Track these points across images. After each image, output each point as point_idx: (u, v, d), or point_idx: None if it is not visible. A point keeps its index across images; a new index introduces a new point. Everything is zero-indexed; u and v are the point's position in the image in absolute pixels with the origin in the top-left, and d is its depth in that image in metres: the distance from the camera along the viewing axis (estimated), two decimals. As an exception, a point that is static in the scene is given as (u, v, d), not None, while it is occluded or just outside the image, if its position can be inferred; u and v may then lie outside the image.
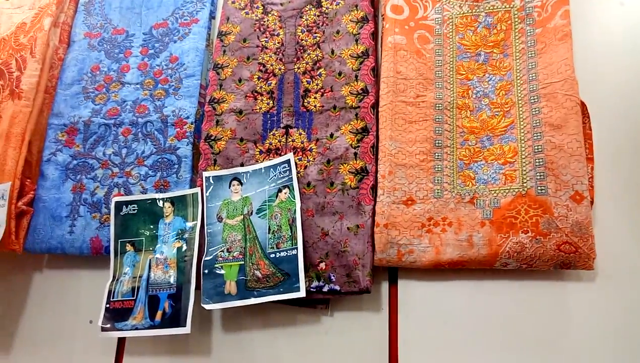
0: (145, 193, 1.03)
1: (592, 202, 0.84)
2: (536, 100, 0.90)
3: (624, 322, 0.83)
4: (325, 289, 0.90)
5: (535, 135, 0.88)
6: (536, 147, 0.88)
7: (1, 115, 1.11)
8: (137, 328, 0.93)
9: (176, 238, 0.99)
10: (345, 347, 0.93)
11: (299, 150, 1.00)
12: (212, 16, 1.17)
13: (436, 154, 0.93)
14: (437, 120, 0.95)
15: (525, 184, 0.87)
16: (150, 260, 0.98)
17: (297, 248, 0.91)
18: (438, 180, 0.92)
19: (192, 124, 1.05)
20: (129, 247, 1.00)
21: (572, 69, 0.88)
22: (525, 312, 0.87)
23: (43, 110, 1.12)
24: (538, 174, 0.86)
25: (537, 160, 0.87)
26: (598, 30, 0.97)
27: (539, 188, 0.85)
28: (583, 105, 0.88)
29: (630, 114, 0.92)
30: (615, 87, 0.94)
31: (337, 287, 0.90)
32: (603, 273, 0.85)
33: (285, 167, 0.98)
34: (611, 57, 0.96)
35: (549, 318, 0.86)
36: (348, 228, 0.92)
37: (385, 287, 0.95)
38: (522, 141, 0.89)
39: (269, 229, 0.95)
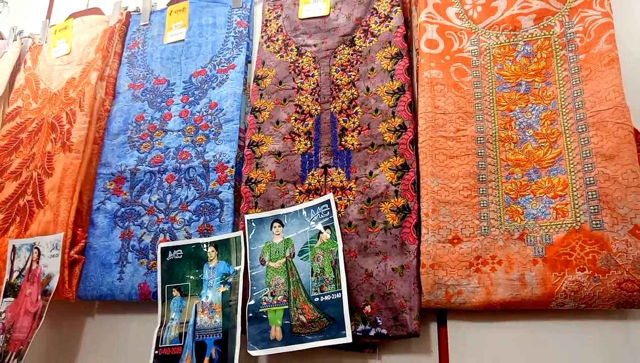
0: (190, 238, 1.05)
1: (654, 236, 0.79)
2: (584, 129, 0.86)
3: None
4: (372, 333, 0.88)
5: (586, 166, 0.84)
6: (588, 179, 0.83)
7: (54, 167, 1.17)
8: (185, 376, 0.93)
9: (221, 283, 1.00)
10: (396, 392, 0.90)
11: (338, 189, 1.00)
12: (248, 60, 1.20)
13: (480, 189, 0.90)
14: (479, 154, 0.92)
15: (578, 219, 0.83)
16: (196, 305, 0.99)
17: (341, 292, 0.89)
18: (484, 216, 0.89)
19: (232, 167, 1.07)
20: (175, 292, 1.02)
21: (621, 95, 0.84)
22: (586, 354, 0.82)
23: (92, 160, 1.18)
24: (592, 208, 0.82)
25: (589, 193, 0.83)
26: (645, 52, 0.93)
27: (593, 222, 0.81)
28: (637, 133, 0.83)
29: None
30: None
31: (384, 331, 0.87)
32: (672, 312, 0.79)
33: (325, 207, 0.98)
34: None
35: (612, 361, 0.80)
36: (393, 269, 0.90)
37: (434, 328, 0.92)
38: (572, 173, 0.86)
39: (312, 272, 0.94)
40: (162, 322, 1.01)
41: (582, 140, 0.86)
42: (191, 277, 1.02)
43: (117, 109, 1.21)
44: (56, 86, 1.29)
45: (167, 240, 1.06)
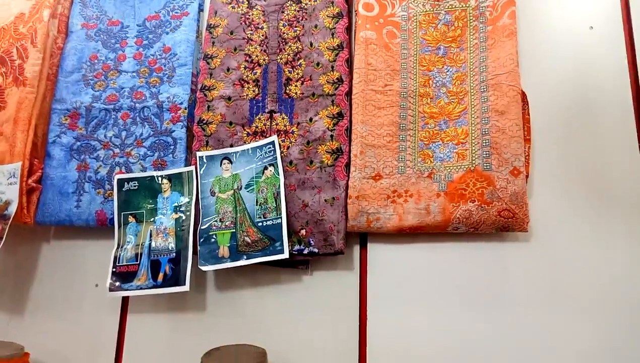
0: (145, 171, 1.16)
1: (527, 176, 1.00)
2: (485, 89, 1.05)
3: (554, 276, 1.01)
4: (306, 252, 1.05)
5: (483, 119, 1.04)
6: (484, 130, 1.03)
7: (6, 101, 1.21)
8: (141, 288, 1.07)
9: (174, 211, 1.12)
10: (323, 301, 1.09)
11: (282, 132, 1.14)
12: (200, 9, 1.28)
13: (400, 136, 1.08)
14: (402, 106, 1.10)
15: (474, 161, 1.03)
16: (151, 230, 1.12)
17: (281, 218, 1.05)
18: (402, 158, 1.07)
19: (185, 109, 1.18)
20: (131, 219, 1.13)
21: (515, 62, 1.04)
22: (472, 269, 1.04)
23: (46, 96, 1.23)
24: (484, 153, 1.02)
25: (484, 141, 1.03)
26: (539, 28, 1.13)
27: (485, 164, 1.01)
28: (523, 94, 1.03)
29: (563, 101, 1.08)
30: (552, 78, 1.10)
31: (316, 250, 1.05)
32: (537, 235, 1.02)
33: (270, 147, 1.12)
34: (550, 52, 1.11)
35: (492, 274, 1.03)
36: (325, 200, 1.07)
37: (357, 250, 1.11)
38: (473, 125, 1.05)
39: (257, 202, 1.09)
40: (119, 244, 1.12)
41: (482, 98, 1.05)
42: (146, 206, 1.14)
43: (71, 48, 1.26)
44: (3, 20, 1.30)
45: (123, 173, 1.16)
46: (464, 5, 1.13)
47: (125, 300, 1.17)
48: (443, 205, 1.02)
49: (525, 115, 1.03)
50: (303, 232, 1.07)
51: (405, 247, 1.08)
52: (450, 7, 1.13)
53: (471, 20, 1.12)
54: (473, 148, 1.04)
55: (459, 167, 1.04)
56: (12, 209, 1.12)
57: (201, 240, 1.08)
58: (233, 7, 1.24)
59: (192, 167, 1.13)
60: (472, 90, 1.07)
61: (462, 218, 1.00)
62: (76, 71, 1.24)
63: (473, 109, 1.06)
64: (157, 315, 1.15)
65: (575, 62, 1.10)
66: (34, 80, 1.20)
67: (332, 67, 1.15)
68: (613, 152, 1.03)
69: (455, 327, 1.02)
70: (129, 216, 1.13)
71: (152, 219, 1.13)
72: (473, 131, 1.05)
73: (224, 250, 1.06)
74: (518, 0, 1.10)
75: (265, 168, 1.11)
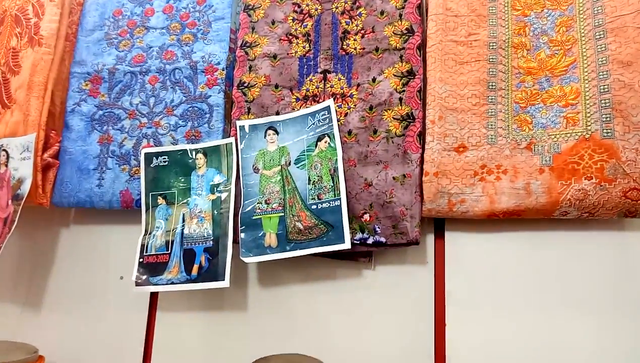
0: (176, 144, 0.98)
1: (665, 146, 0.77)
2: (602, 35, 0.82)
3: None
4: (370, 241, 0.86)
5: (601, 73, 0.81)
6: (602, 87, 0.80)
7: (21, 65, 1.05)
8: (173, 283, 0.90)
9: (211, 191, 0.94)
10: (388, 302, 0.89)
11: (338, 96, 0.94)
12: (240, -45, 1.08)
13: (490, 97, 0.86)
14: (491, 60, 0.88)
15: (589, 127, 0.80)
16: (184, 213, 0.94)
17: (340, 199, 0.86)
18: (492, 125, 0.85)
19: (223, 70, 0.99)
20: (160, 200, 0.96)
21: (645, -1, 0.80)
22: (582, 265, 0.82)
23: (64, 58, 1.07)
24: (604, 116, 0.79)
25: (602, 101, 0.80)
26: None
27: (604, 131, 0.79)
28: (657, 39, 0.80)
29: None
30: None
31: (383, 239, 0.85)
32: (673, 222, 0.79)
33: (324, 114, 0.92)
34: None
35: (610, 271, 0.81)
36: (394, 178, 0.87)
37: (430, 239, 0.90)
38: (586, 81, 0.82)
39: (309, 180, 0.90)
40: (146, 230, 0.95)
41: (598, 47, 0.82)
42: (178, 185, 0.96)
43: (92, 2, 1.09)
44: (19, -25, 1.14)
45: (151, 146, 0.99)
46: None
47: (153, 295, 1.00)
48: (548, 183, 0.80)
49: (660, 66, 0.79)
50: (367, 216, 0.87)
51: (493, 236, 0.87)
52: None
53: (579, -49, 0.88)
54: (588, 110, 0.81)
55: (568, 134, 0.81)
56: (26, 188, 0.96)
57: (243, 226, 0.89)
58: (278, -51, 1.04)
59: (232, 139, 0.95)
60: (583, 38, 0.84)
61: (574, 200, 0.78)
62: (98, 29, 1.07)
63: (586, 61, 0.83)
64: (190, 313, 0.98)
65: None
66: (50, 40, 1.03)
67: (400, 15, 0.93)
68: None
69: (558, 336, 0.80)
70: (158, 197, 0.96)
71: (184, 201, 0.95)
72: (587, 89, 0.82)
73: (270, 238, 0.88)
74: None
75: (319, 139, 0.91)
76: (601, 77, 0.81)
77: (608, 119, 0.79)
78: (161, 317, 0.99)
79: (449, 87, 0.87)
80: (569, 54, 0.85)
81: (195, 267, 0.90)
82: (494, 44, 0.88)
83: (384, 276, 0.91)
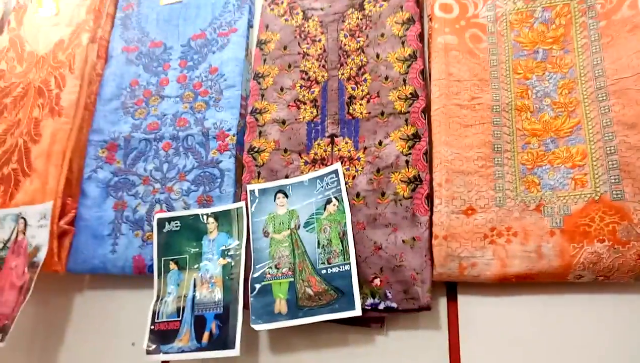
0: (188, 209, 1.00)
1: (677, 207, 0.76)
2: (605, 97, 0.83)
3: None
4: (381, 307, 0.85)
5: (606, 135, 0.81)
6: (608, 148, 0.80)
7: (41, 134, 1.10)
8: (183, 351, 0.89)
9: (221, 256, 0.95)
10: (403, 368, 0.87)
11: (346, 159, 0.95)
12: (250, 25, 1.14)
13: (496, 159, 0.87)
14: (495, 123, 0.89)
15: (598, 189, 0.80)
16: (195, 278, 0.95)
17: (350, 264, 0.85)
18: (499, 187, 0.85)
19: (234, 136, 1.02)
20: (172, 266, 0.97)
21: (645, 62, 0.82)
22: (602, 329, 0.79)
23: (83, 127, 1.11)
24: (612, 177, 0.79)
25: (610, 163, 0.80)
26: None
27: (614, 192, 0.78)
28: (660, 101, 0.80)
29: None
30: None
31: (394, 305, 0.84)
32: (692, 285, 0.77)
33: (332, 177, 0.93)
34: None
35: (630, 335, 0.78)
36: (403, 241, 0.87)
37: (443, 303, 0.89)
38: (592, 142, 0.83)
39: (319, 244, 0.90)
40: (158, 296, 0.95)
41: (602, 108, 0.83)
42: (189, 250, 0.97)
43: (110, 73, 1.14)
44: (43, 49, 1.21)
45: (164, 211, 1.01)
46: (566, 0, 0.92)
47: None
48: (560, 246, 0.79)
49: (665, 127, 0.80)
50: (377, 281, 0.86)
51: (507, 299, 0.85)
52: (548, 2, 0.93)
53: (577, 16, 0.91)
54: (595, 172, 0.81)
55: (577, 196, 0.81)
56: (42, 255, 0.98)
57: (253, 291, 0.89)
58: (286, 20, 1.09)
59: (242, 203, 0.96)
60: (585, 100, 0.85)
61: (587, 264, 0.77)
62: (115, 98, 1.12)
63: (590, 123, 0.84)
64: (201, 380, 0.96)
65: None
66: (69, 110, 1.08)
67: (404, 80, 0.96)
68: None
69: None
70: (170, 262, 0.97)
71: (196, 266, 0.96)
72: (593, 150, 0.82)
73: (281, 305, 0.87)
74: (636, -12, 0.88)
75: (328, 202, 0.92)
76: (607, 138, 0.81)
77: (617, 180, 0.79)
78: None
79: (454, 149, 0.88)
80: (573, 115, 0.86)
81: (206, 334, 0.89)
82: (497, 107, 0.90)
83: (396, 342, 0.89)
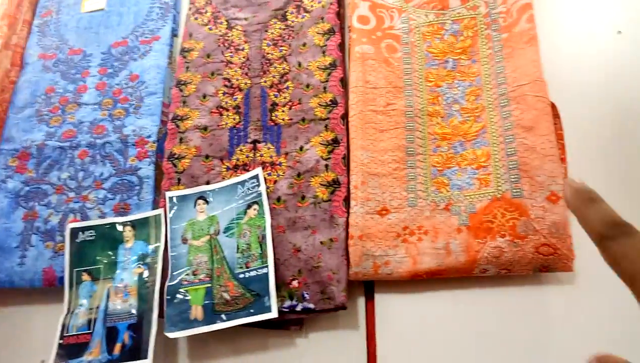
0: (104, 218, 0.96)
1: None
2: (506, 103, 0.89)
3: (605, 323, 0.80)
4: (299, 308, 0.84)
5: (507, 138, 0.87)
6: (509, 150, 0.86)
7: (-53, 142, 1.04)
8: (93, 365, 0.84)
9: (137, 264, 0.92)
10: (323, 371, 0.87)
11: (267, 164, 0.96)
12: (174, 34, 1.14)
13: (409, 162, 0.90)
14: (408, 127, 0.93)
15: (500, 188, 0.84)
16: (108, 289, 0.91)
17: (267, 267, 0.85)
18: (412, 188, 0.89)
19: (154, 142, 1.00)
20: (85, 277, 0.92)
21: (540, 70, 0.88)
22: (506, 319, 0.83)
23: (-7, 135, 1.05)
24: (512, 177, 0.84)
25: (510, 163, 0.85)
26: (563, 33, 0.98)
27: (514, 190, 0.83)
28: (553, 105, 0.87)
29: (598, 112, 0.91)
30: (579, 89, 0.94)
31: (312, 305, 0.84)
32: (583, 274, 0.82)
33: (253, 182, 0.93)
34: (575, 60, 0.96)
35: (531, 324, 0.82)
36: (321, 242, 0.88)
37: (361, 302, 0.90)
38: (495, 145, 0.88)
39: (238, 248, 0.89)
40: (68, 309, 0.91)
41: (503, 113, 0.89)
42: (104, 260, 0.93)
43: (25, 80, 1.10)
44: (-46, 55, 1.15)
45: (78, 221, 0.97)
46: (472, 13, 0.98)
47: (77, 379, 0.93)
48: (466, 242, 0.82)
49: (558, 130, 0.86)
50: (295, 283, 0.86)
51: (420, 296, 0.87)
52: (457, 15, 0.99)
53: (482, 29, 0.97)
54: (497, 172, 0.86)
55: (482, 195, 0.85)
56: (-61, 269, 0.91)
57: (169, 299, 0.87)
58: (210, 29, 1.10)
59: (161, 210, 0.94)
60: (489, 106, 0.91)
61: (491, 258, 0.80)
62: (29, 106, 1.07)
63: (493, 127, 0.89)
64: (116, 397, 0.91)
65: (606, 70, 0.94)
66: (-22, 118, 1.03)
67: (325, 88, 0.99)
68: (668, 170, 0.86)
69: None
70: (83, 273, 0.93)
71: (110, 276, 0.92)
72: (496, 152, 0.87)
73: (197, 311, 0.85)
74: (535, 5, 0.96)
75: (249, 207, 0.92)
76: (508, 140, 0.87)
77: (516, 179, 0.84)
78: (85, 404, 0.92)
79: (370, 153, 0.91)
80: (479, 120, 0.91)
81: (118, 346, 0.85)
82: (411, 113, 0.94)
83: (316, 343, 0.89)
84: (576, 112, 0.90)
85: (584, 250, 0.82)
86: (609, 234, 0.30)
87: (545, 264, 0.79)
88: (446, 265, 0.82)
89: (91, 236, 0.94)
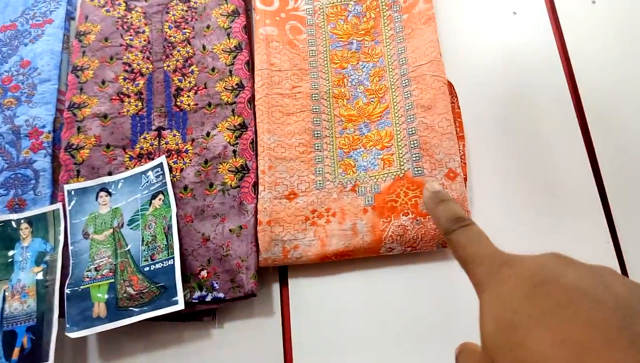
0: (-3, 216, 0.90)
1: (465, 179, 0.85)
2: (407, 83, 0.91)
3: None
4: (209, 298, 0.83)
5: (408, 117, 0.89)
6: (410, 130, 0.88)
7: None
8: (-12, 372, 0.80)
9: (36, 263, 0.87)
10: (238, 358, 0.86)
11: (173, 152, 0.93)
12: (70, 17, 1.06)
13: (316, 145, 0.90)
14: (314, 110, 0.92)
15: (402, 167, 0.86)
16: (4, 290, 0.85)
17: (173, 258, 0.83)
18: (319, 171, 0.89)
19: (49, 133, 0.94)
20: (-22, 280, 0.86)
21: (437, 50, 0.90)
22: (413, 294, 0.86)
23: None
24: (414, 156, 0.86)
25: (412, 142, 0.87)
26: (460, 13, 1.01)
27: (415, 169, 0.85)
28: (450, 85, 0.90)
29: (493, 91, 0.95)
30: (477, 69, 0.97)
31: (222, 295, 0.83)
32: (483, 247, 0.86)
33: (158, 171, 0.90)
34: (473, 41, 1.00)
35: (437, 299, 0.86)
36: (230, 230, 0.86)
37: (276, 289, 0.90)
38: (397, 125, 0.89)
39: (143, 240, 0.86)
40: (-40, 316, 0.85)
41: (405, 93, 0.90)
42: (0, 260, 0.88)
43: None
44: None
45: (-33, 220, 0.90)
46: (375, -6, 0.99)
47: (-24, 388, 0.88)
48: (372, 222, 0.84)
49: (455, 108, 0.89)
50: (204, 273, 0.85)
51: (331, 278, 0.88)
52: (360, -4, 0.99)
53: (384, 10, 0.98)
54: (400, 151, 0.87)
55: (385, 175, 0.87)
56: None
57: (70, 298, 0.83)
58: (107, 11, 1.03)
59: (59, 205, 0.89)
60: (392, 86, 0.92)
61: (395, 236, 0.83)
62: None
63: (396, 107, 0.91)
64: (21, 403, 0.87)
65: (501, 50, 0.98)
66: None
67: (230, 71, 0.96)
68: (555, 143, 0.91)
69: (401, 371, 0.82)
70: (-24, 276, 0.86)
71: (6, 277, 0.86)
72: (398, 132, 0.89)
73: (99, 308, 0.82)
74: (433, -14, 0.98)
75: (154, 197, 0.89)
76: (409, 120, 0.88)
77: (417, 158, 0.86)
78: (-12, 413, 0.87)
79: (277, 137, 0.90)
80: (383, 101, 0.92)
81: (17, 350, 0.81)
82: (317, 95, 0.93)
83: (231, 332, 0.88)
84: (473, 91, 0.94)
85: (482, 224, 0.86)
86: (451, 228, 0.34)
87: (445, 239, 0.82)
88: (353, 245, 0.83)
89: (-18, 236, 0.88)
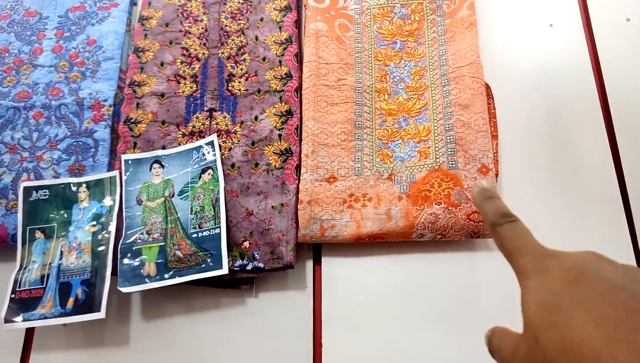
0: (59, 178, 0.98)
1: (497, 175, 0.91)
2: (447, 83, 0.97)
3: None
4: (249, 267, 0.90)
5: (446, 115, 0.94)
6: (447, 126, 0.94)
7: None
8: (46, 317, 0.87)
9: (92, 223, 0.94)
10: (270, 327, 0.93)
11: (223, 132, 1.00)
12: (133, 2, 1.15)
13: (357, 134, 0.97)
14: (357, 102, 0.99)
15: (438, 160, 0.92)
16: (62, 246, 0.93)
17: (220, 227, 0.90)
18: (358, 158, 0.95)
19: (110, 106, 1.02)
20: (38, 234, 0.94)
21: (477, 54, 0.96)
22: (440, 283, 0.92)
23: (-58, 92, 1.04)
24: (449, 150, 0.92)
25: (448, 138, 0.93)
26: (500, 22, 1.07)
27: (450, 162, 0.91)
28: (487, 86, 0.95)
29: (528, 96, 1.01)
30: (513, 75, 1.03)
31: (261, 265, 0.90)
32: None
33: (208, 149, 0.97)
34: (510, 49, 1.05)
35: (461, 285, 0.91)
36: (272, 206, 0.93)
37: (309, 265, 0.96)
38: (435, 121, 0.95)
39: (192, 210, 0.93)
40: (21, 265, 0.92)
41: (444, 92, 0.96)
42: (58, 218, 0.95)
43: (-23, 39, 1.09)
44: None
45: (32, 180, 0.98)
46: (420, -1, 1.05)
47: (29, 334, 0.95)
48: (406, 209, 0.90)
49: (491, 109, 0.95)
50: (246, 244, 0.91)
51: (363, 260, 0.94)
52: (405, 0, 1.06)
53: (428, 14, 1.04)
54: (436, 145, 0.93)
55: (421, 166, 0.93)
56: None
57: (123, 257, 0.90)
58: (170, -1, 1.12)
59: (116, 172, 0.97)
60: (432, 85, 0.98)
61: (427, 223, 0.88)
62: (-19, 65, 1.06)
63: (435, 104, 0.97)
64: (68, 353, 0.94)
65: (537, 59, 1.04)
66: None
67: (280, 61, 1.03)
68: (582, 148, 0.96)
69: (420, 349, 0.87)
70: (36, 231, 0.94)
71: (64, 234, 0.94)
72: (435, 128, 0.95)
73: (150, 268, 0.89)
74: (475, -4, 1.04)
75: (203, 171, 0.96)
76: (446, 117, 0.94)
77: (452, 152, 0.92)
78: (36, 360, 0.94)
79: (320, 124, 0.97)
80: (422, 98, 0.98)
81: (71, 300, 0.88)
82: (360, 89, 1.00)
83: (265, 302, 0.94)
84: (508, 95, 1.00)
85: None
86: (498, 222, 0.37)
87: (476, 231, 0.88)
88: (387, 229, 0.89)
89: (45, 195, 0.96)
